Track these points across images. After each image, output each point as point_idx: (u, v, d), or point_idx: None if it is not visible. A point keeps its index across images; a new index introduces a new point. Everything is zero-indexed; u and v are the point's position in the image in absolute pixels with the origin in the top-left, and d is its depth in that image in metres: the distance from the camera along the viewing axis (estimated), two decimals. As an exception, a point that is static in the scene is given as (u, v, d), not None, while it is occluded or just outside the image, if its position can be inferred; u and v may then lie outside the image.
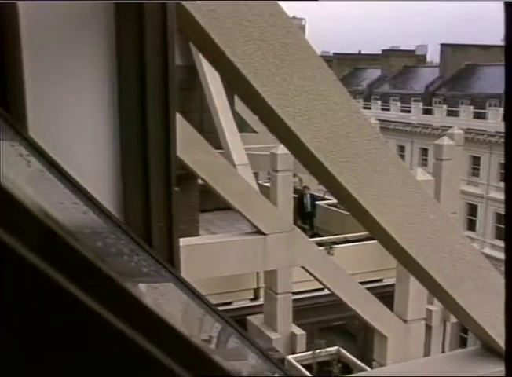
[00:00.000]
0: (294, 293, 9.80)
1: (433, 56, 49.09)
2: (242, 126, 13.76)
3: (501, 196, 13.17)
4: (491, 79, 33.51)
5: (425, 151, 34.20)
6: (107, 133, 1.61)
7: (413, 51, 47.54)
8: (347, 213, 5.00)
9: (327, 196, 13.08)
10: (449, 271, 2.78)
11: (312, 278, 8.21)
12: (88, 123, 1.61)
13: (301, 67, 2.31)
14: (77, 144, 1.58)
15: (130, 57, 1.57)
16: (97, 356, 0.59)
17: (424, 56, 49.21)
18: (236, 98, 10.67)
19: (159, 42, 1.59)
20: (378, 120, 18.23)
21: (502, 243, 8.60)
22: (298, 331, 9.91)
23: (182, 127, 5.51)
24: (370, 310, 8.09)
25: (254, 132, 14.52)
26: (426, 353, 9.00)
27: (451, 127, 13.82)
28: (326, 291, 9.01)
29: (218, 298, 8.78)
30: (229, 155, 10.61)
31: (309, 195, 12.94)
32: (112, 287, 0.62)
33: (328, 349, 9.12)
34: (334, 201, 11.20)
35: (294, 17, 32.11)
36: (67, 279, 0.55)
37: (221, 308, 4.68)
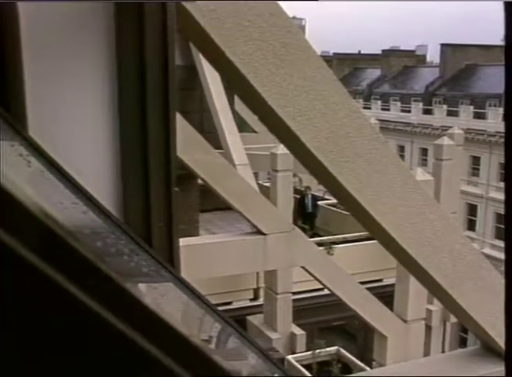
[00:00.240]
0: (294, 293, 9.80)
1: (433, 56, 49.15)
2: (242, 126, 13.76)
3: (501, 196, 13.18)
4: (491, 79, 33.51)
5: (425, 151, 34.19)
6: (107, 133, 1.61)
7: (413, 51, 47.52)
8: (347, 213, 5.00)
9: (326, 196, 13.07)
10: (449, 271, 2.78)
11: (312, 278, 8.21)
12: (88, 123, 1.61)
13: (301, 67, 2.31)
14: (77, 144, 1.58)
15: (130, 57, 1.57)
16: (97, 357, 0.59)
17: (424, 56, 49.20)
18: (236, 98, 10.67)
19: (159, 42, 1.59)
20: (378, 120, 18.25)
21: (502, 243, 8.59)
22: (297, 331, 9.92)
23: (182, 127, 5.51)
24: (370, 310, 8.09)
25: (254, 132, 14.52)
26: (426, 353, 9.00)
27: (451, 127, 13.83)
28: (326, 291, 9.01)
29: (218, 298, 8.77)
30: (229, 155, 10.61)
31: (310, 196, 12.93)
32: (112, 287, 0.62)
33: (328, 349, 9.12)
34: (334, 201, 11.19)
35: (294, 17, 32.10)
36: (67, 279, 0.55)
37: (220, 308, 4.68)
